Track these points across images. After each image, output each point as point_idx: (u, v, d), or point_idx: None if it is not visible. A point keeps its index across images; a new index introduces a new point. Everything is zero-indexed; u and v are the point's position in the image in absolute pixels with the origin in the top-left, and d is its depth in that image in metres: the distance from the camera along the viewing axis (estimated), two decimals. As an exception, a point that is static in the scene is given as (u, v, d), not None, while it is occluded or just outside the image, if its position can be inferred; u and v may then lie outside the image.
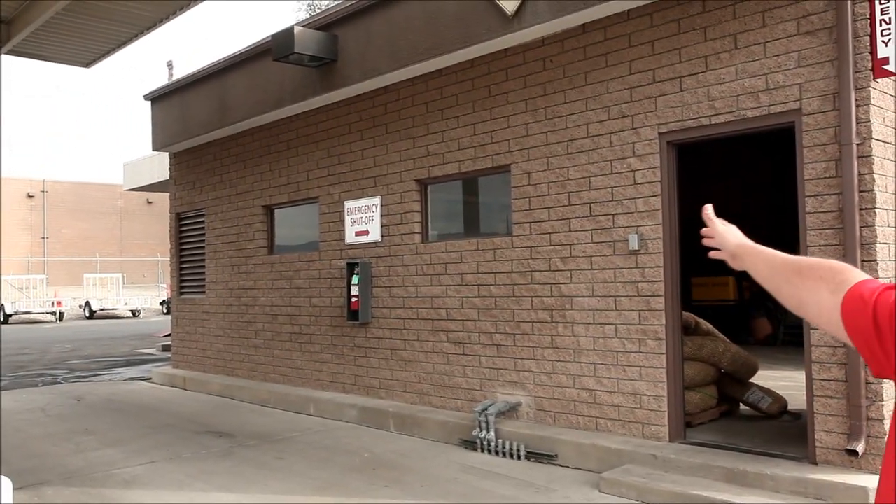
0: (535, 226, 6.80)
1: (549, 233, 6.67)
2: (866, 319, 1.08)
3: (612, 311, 6.19)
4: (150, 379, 12.25)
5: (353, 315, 8.49)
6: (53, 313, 29.96)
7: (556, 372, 6.59)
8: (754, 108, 5.43)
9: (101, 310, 31.01)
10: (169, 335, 14.76)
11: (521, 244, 6.91)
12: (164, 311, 31.14)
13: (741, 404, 6.98)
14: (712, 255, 1.61)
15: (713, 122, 5.66)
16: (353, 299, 8.44)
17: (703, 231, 1.61)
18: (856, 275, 1.18)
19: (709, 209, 1.61)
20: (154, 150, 12.32)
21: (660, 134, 5.95)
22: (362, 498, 5.55)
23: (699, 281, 12.33)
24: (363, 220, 8.57)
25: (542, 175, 6.75)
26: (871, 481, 4.70)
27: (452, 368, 7.54)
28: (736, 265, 1.52)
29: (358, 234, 8.65)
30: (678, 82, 5.84)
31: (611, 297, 6.20)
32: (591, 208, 6.35)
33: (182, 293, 12.13)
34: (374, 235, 8.43)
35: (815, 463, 5.10)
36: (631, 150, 6.10)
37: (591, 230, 6.35)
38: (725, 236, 1.53)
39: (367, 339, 8.55)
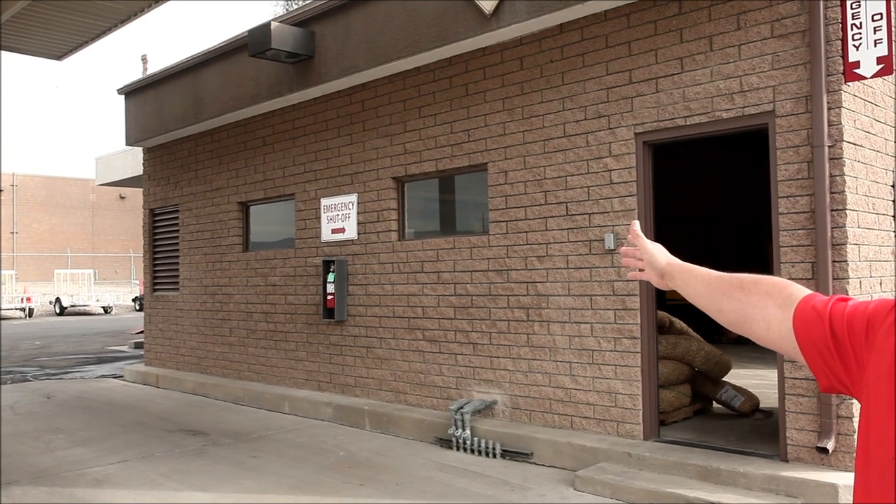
0: (511, 224, 6.81)
1: (526, 231, 6.69)
2: (822, 330, 1.08)
3: (588, 310, 6.23)
4: (122, 377, 12.10)
5: (328, 313, 8.45)
6: (23, 309, 29.48)
7: (532, 370, 6.62)
8: (729, 109, 5.49)
9: (72, 306, 30.58)
10: (142, 332, 14.59)
11: (498, 243, 6.93)
12: (137, 307, 30.77)
13: (714, 402, 7.07)
14: (633, 276, 1.53)
15: (688, 123, 5.71)
16: (329, 297, 8.40)
17: (626, 250, 1.51)
18: (800, 289, 1.17)
19: (636, 225, 1.53)
20: (127, 144, 12.15)
21: (636, 134, 5.99)
22: (337, 497, 5.53)
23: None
24: (339, 217, 8.53)
25: (518, 174, 6.76)
26: (841, 478, 4.79)
27: (428, 367, 7.54)
28: (663, 285, 1.45)
29: (334, 231, 8.61)
30: (654, 83, 5.89)
31: (587, 296, 6.24)
32: (567, 207, 6.38)
33: (156, 290, 11.99)
34: (351, 233, 8.40)
35: (786, 460, 5.18)
36: (607, 149, 6.14)
37: (568, 229, 6.38)
38: (654, 255, 1.46)
39: (342, 336, 8.51)
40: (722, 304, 1.25)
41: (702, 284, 1.31)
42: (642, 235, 1.52)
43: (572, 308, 6.33)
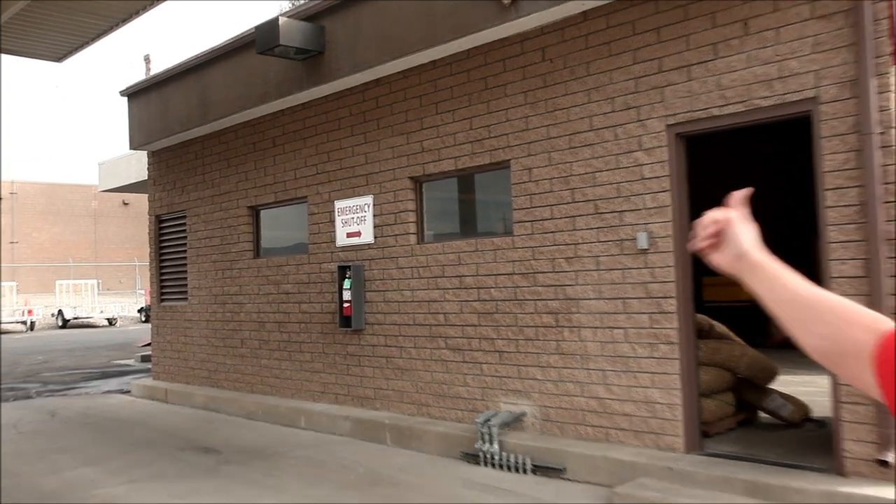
0: (537, 224, 6.79)
1: (553, 232, 6.66)
2: None
3: (621, 314, 6.18)
4: (129, 392, 12.20)
5: (345, 321, 8.47)
6: (24, 322, 29.83)
7: (562, 379, 6.58)
8: (767, 97, 5.42)
9: (75, 318, 30.92)
10: (148, 344, 14.71)
11: (523, 244, 6.90)
12: (143, 318, 31.06)
13: (760, 412, 6.99)
14: (695, 246, 1.31)
15: (724, 113, 5.65)
16: (346, 304, 8.42)
17: (707, 218, 1.31)
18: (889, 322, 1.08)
19: (741, 195, 1.33)
20: (131, 148, 12.27)
21: (667, 126, 5.94)
22: (359, 517, 5.52)
23: (711, 280, 12.33)
24: (355, 220, 8.55)
25: (543, 171, 6.73)
26: (899, 492, 4.70)
27: (452, 377, 7.52)
28: (732, 269, 1.29)
29: (349, 235, 8.63)
30: (686, 71, 5.83)
31: (619, 299, 6.19)
32: (596, 205, 6.34)
33: (163, 300, 12.08)
34: (367, 237, 8.41)
35: (843, 475, 5.08)
36: (637, 143, 6.09)
37: (597, 228, 6.34)
38: (742, 233, 1.28)
39: (360, 346, 8.53)
40: (810, 325, 1.15)
41: (788, 291, 1.20)
42: (741, 206, 1.32)
43: (604, 312, 6.29)
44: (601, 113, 6.32)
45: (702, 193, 6.10)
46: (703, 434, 6.05)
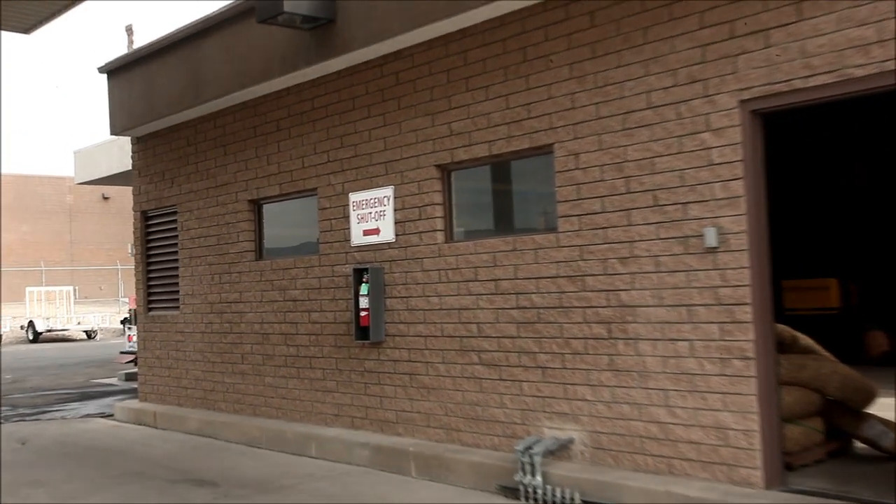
0: (585, 219, 6.78)
1: (604, 227, 6.65)
2: None
3: (686, 324, 6.15)
4: (111, 416, 12.36)
5: (362, 333, 8.52)
6: (-10, 336, 30.34)
7: (616, 400, 6.57)
8: (863, 64, 5.36)
9: (49, 330, 31.41)
10: (134, 360, 14.89)
11: (569, 242, 6.89)
12: (127, 328, 31.35)
13: (856, 441, 6.91)
14: None
15: (809, 85, 5.59)
16: (363, 313, 8.47)
17: None
18: None
19: None
20: (112, 134, 12.43)
21: (741, 102, 5.90)
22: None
23: (792, 284, 12.21)
24: (373, 215, 8.59)
25: (592, 156, 6.72)
26: None
27: (487, 397, 7.53)
28: None
29: (367, 232, 8.68)
30: (763, 36, 5.79)
31: (683, 306, 6.17)
32: (655, 196, 6.32)
33: (151, 309, 12.22)
34: (387, 234, 8.46)
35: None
36: (704, 122, 6.06)
37: (657, 223, 6.32)
38: None
39: (380, 361, 8.56)
40: None
41: None
42: None
43: (665, 321, 6.27)
44: (661, 88, 6.28)
45: (781, 180, 6.06)
46: (785, 466, 6.00)
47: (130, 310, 17.52)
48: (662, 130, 6.28)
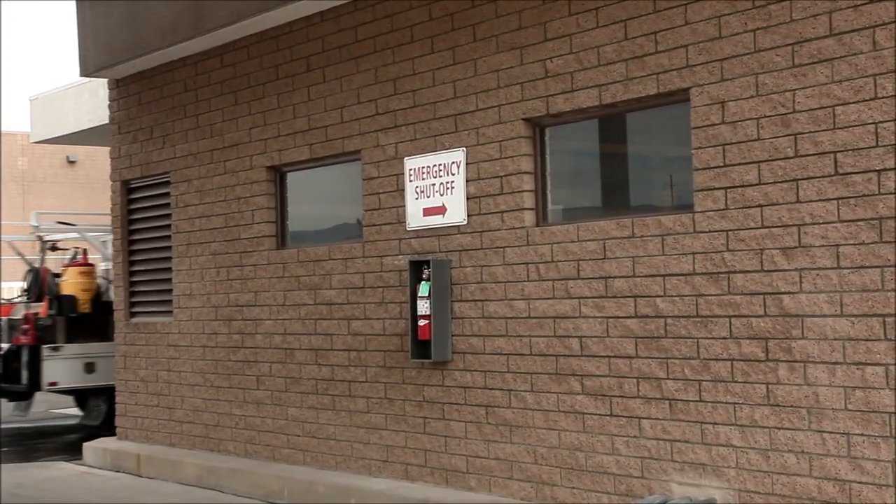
0: (734, 194, 6.68)
1: (761, 205, 6.54)
2: None
3: (879, 342, 6.01)
4: (80, 459, 12.45)
5: (420, 349, 8.50)
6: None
7: (776, 447, 6.45)
8: None
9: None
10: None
11: (711, 226, 6.80)
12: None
13: None
14: None
15: None
16: (422, 322, 8.44)
17: None
18: None
19: None
20: (83, 75, 12.57)
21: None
22: None
23: None
24: (437, 188, 8.57)
25: (745, 105, 6.61)
26: None
27: (593, 439, 7.47)
28: None
29: (428, 212, 8.66)
30: None
31: (876, 316, 6.02)
32: (836, 161, 6.19)
33: (134, 314, 12.35)
34: (456, 214, 8.43)
35: None
36: (910, 56, 5.89)
37: (838, 199, 6.18)
38: None
39: (444, 389, 8.54)
40: None
41: None
42: None
43: (848, 338, 6.13)
44: (849, 5, 6.12)
45: None
46: None
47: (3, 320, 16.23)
48: (850, 68, 6.13)
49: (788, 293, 6.41)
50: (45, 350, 14.64)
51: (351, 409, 9.37)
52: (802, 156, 6.34)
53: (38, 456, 12.97)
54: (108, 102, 12.80)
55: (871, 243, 6.04)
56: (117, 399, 12.53)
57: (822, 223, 6.25)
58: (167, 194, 11.76)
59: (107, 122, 13.05)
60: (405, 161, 8.84)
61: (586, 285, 7.52)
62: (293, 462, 9.92)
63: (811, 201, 6.30)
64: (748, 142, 6.61)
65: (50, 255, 17.05)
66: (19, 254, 17.06)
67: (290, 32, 10.00)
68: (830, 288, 6.22)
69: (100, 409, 15.33)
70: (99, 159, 27.33)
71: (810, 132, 6.30)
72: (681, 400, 6.95)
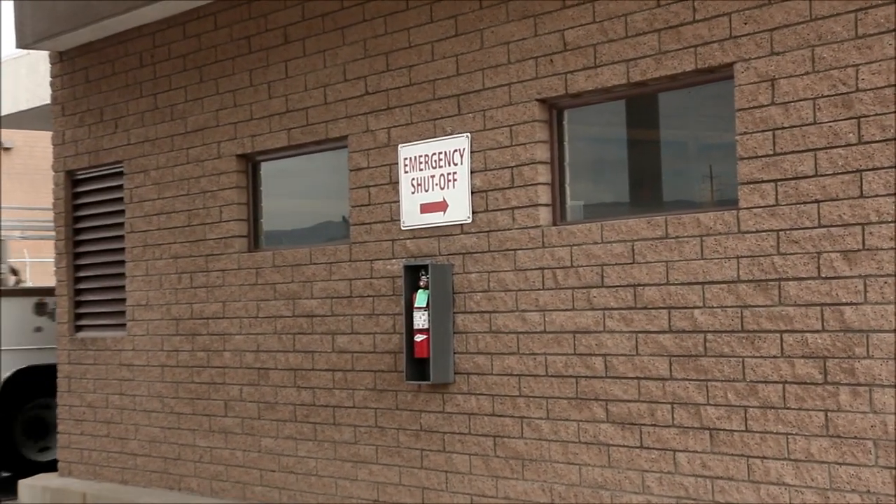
0: (785, 187, 6.70)
1: (817, 200, 6.55)
2: None
3: (959, 362, 6.06)
4: (14, 498, 12.48)
5: (417, 369, 8.53)
6: None
7: (837, 486, 6.46)
8: None
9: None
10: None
11: (758, 225, 6.82)
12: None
13: None
14: None
15: None
16: (419, 337, 8.47)
17: None
18: None
19: None
20: (19, 46, 12.54)
21: None
22: None
23: None
24: (436, 181, 8.61)
25: (799, 83, 6.62)
26: None
27: (620, 476, 7.50)
28: None
29: (426, 208, 8.70)
30: None
31: (957, 332, 6.08)
32: (907, 150, 6.22)
33: (80, 328, 12.33)
34: (459, 211, 8.47)
35: None
36: None
37: (909, 195, 6.22)
38: None
39: (445, 416, 8.58)
40: None
41: None
42: None
43: (919, 357, 6.17)
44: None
45: None
46: None
47: None
48: (921, 40, 6.18)
49: (850, 304, 6.41)
50: None
51: (335, 440, 9.40)
52: (867, 142, 6.33)
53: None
54: (49, 79, 12.78)
55: (948, 246, 6.12)
56: (59, 428, 12.50)
57: (891, 222, 6.23)
58: (120, 187, 11.77)
59: (48, 102, 13.03)
60: (399, 149, 8.88)
61: (611, 294, 7.54)
62: (267, 501, 9.96)
63: (877, 196, 6.29)
64: (803, 126, 6.60)
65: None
66: None
67: (264, -3, 10.10)
68: (899, 299, 6.28)
69: None
70: (39, 145, 27.27)
71: (876, 115, 6.29)
72: (723, 430, 6.97)
